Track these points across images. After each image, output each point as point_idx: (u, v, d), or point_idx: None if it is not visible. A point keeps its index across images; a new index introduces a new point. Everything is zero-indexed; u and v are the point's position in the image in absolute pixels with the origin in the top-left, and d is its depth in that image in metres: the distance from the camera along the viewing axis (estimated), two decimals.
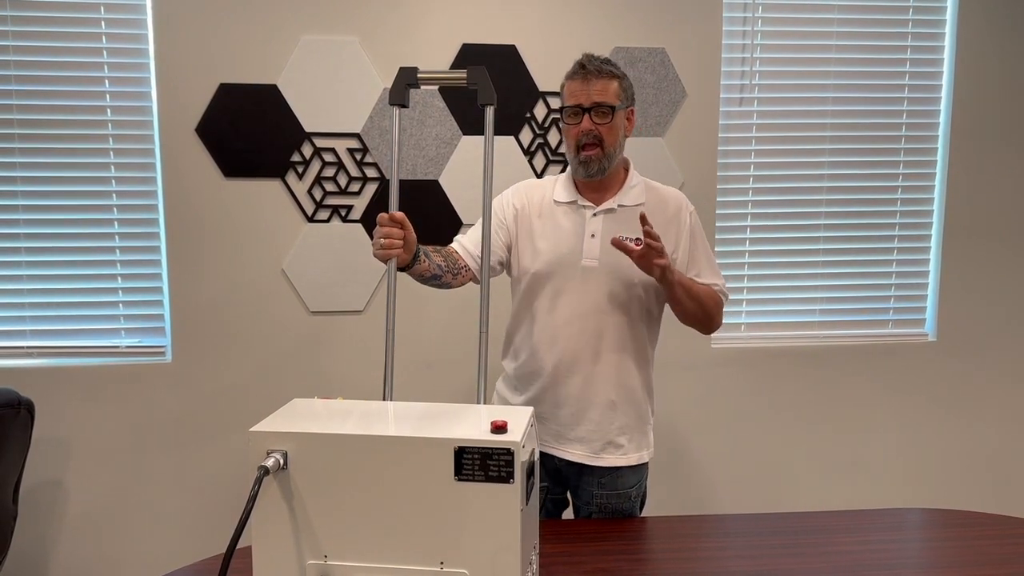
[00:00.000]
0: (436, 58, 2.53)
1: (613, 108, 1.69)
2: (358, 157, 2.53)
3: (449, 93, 2.54)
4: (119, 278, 2.55)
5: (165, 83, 2.45)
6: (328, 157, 2.52)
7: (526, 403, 1.80)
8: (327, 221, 2.55)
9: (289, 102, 2.49)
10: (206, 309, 2.53)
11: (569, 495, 1.91)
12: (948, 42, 2.75)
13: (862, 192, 2.78)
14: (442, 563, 1.09)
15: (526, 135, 2.58)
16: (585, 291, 1.73)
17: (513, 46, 2.55)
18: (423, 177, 2.56)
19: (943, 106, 2.78)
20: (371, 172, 2.55)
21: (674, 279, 1.64)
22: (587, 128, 1.70)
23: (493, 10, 2.53)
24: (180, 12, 2.43)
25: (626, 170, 1.82)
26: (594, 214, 1.75)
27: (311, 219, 2.54)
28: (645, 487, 1.88)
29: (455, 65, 2.53)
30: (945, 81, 2.77)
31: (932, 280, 2.85)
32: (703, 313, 1.75)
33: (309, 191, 2.53)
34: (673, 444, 2.77)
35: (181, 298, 2.52)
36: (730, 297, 2.72)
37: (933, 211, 2.82)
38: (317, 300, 2.57)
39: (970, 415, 2.88)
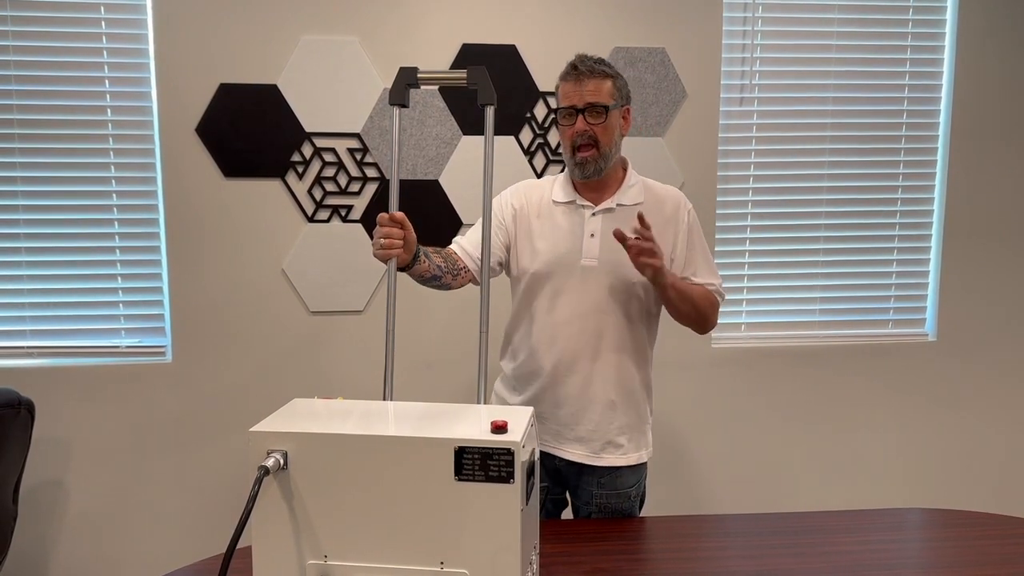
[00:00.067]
0: (436, 58, 2.53)
1: (607, 108, 1.69)
2: (358, 157, 2.53)
3: (449, 93, 2.54)
4: (119, 278, 2.55)
5: (165, 83, 2.45)
6: (328, 157, 2.52)
7: (525, 403, 1.80)
8: (327, 221, 2.55)
9: (289, 102, 2.49)
10: (206, 309, 2.53)
11: (568, 495, 1.91)
12: (948, 42, 2.75)
13: (862, 192, 2.78)
14: (442, 563, 1.09)
15: (526, 135, 2.58)
16: (584, 291, 1.73)
17: (513, 46, 2.55)
18: (423, 177, 2.56)
19: (943, 106, 2.78)
20: (371, 172, 2.55)
21: (667, 281, 1.65)
22: (581, 129, 1.70)
23: (493, 10, 2.53)
24: (180, 12, 2.43)
25: (624, 169, 1.82)
26: (593, 213, 1.76)
27: (311, 219, 2.54)
28: (644, 487, 1.88)
29: (455, 65, 2.53)
30: (945, 81, 2.77)
31: (932, 280, 2.85)
32: (697, 314, 1.75)
33: (309, 191, 2.53)
34: (673, 444, 2.77)
35: (181, 298, 2.52)
36: (727, 297, 2.74)
37: (933, 211, 2.82)
38: (317, 300, 2.57)
39: (970, 415, 2.88)
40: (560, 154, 2.59)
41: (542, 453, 1.81)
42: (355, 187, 2.54)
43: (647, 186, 1.81)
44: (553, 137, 2.59)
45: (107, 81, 2.47)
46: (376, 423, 1.15)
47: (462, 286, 1.78)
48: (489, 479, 1.07)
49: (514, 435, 1.09)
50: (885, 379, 2.83)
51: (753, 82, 2.71)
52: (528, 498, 1.12)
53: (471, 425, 1.14)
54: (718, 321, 1.85)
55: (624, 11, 2.58)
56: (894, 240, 2.82)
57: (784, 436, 2.82)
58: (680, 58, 2.62)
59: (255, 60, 2.47)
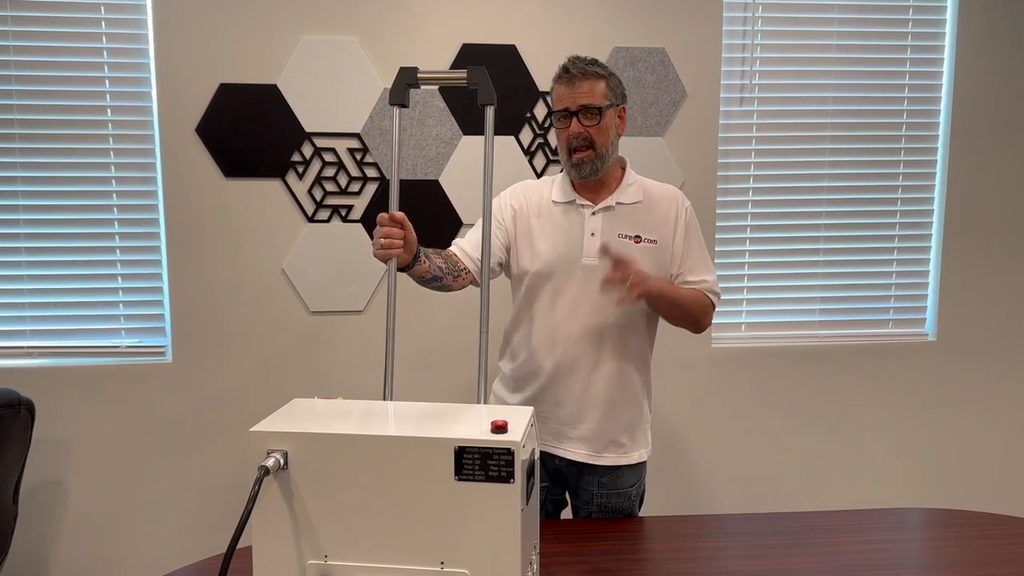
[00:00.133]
0: (436, 58, 2.53)
1: (600, 109, 1.69)
2: (358, 157, 2.53)
3: (449, 93, 2.54)
4: (119, 278, 2.55)
5: (165, 83, 2.45)
6: (328, 157, 2.52)
7: (525, 403, 1.80)
8: (327, 221, 2.55)
9: (289, 102, 2.49)
10: (206, 309, 2.53)
11: (568, 495, 1.91)
12: (948, 42, 2.75)
13: (862, 192, 2.78)
14: (442, 563, 1.09)
15: (526, 135, 2.58)
16: (585, 290, 1.73)
17: (513, 46, 2.55)
18: (423, 177, 2.56)
19: (943, 106, 2.78)
20: (371, 172, 2.55)
21: (654, 295, 1.66)
22: (576, 132, 1.70)
23: (493, 10, 2.53)
24: (180, 12, 2.43)
25: (623, 169, 1.82)
26: (593, 213, 1.76)
27: (311, 219, 2.54)
28: (644, 486, 1.88)
29: (455, 65, 2.53)
30: (945, 81, 2.77)
31: (932, 280, 2.85)
32: (689, 318, 1.77)
33: (309, 191, 2.53)
34: (672, 444, 2.77)
35: (181, 298, 2.52)
36: (727, 297, 2.75)
37: (933, 211, 2.82)
38: (317, 300, 2.57)
39: (970, 415, 2.88)
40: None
41: (542, 453, 1.81)
42: (355, 187, 2.54)
43: (645, 185, 1.81)
44: (553, 137, 2.59)
45: (107, 81, 2.47)
46: (376, 423, 1.15)
47: (463, 287, 1.78)
48: (489, 479, 1.07)
49: (514, 435, 1.09)
50: (885, 379, 2.83)
51: (753, 82, 2.71)
52: (528, 498, 1.12)
53: (471, 425, 1.14)
54: (715, 321, 1.86)
55: (624, 11, 2.58)
56: (894, 240, 2.82)
57: (784, 436, 2.82)
58: (680, 58, 2.62)
59: (255, 60, 2.47)
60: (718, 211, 2.72)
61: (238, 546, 1.37)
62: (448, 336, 2.62)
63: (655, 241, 1.75)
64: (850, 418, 2.83)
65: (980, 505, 2.91)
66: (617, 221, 1.75)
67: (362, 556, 1.11)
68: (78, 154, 2.48)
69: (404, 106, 1.52)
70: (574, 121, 1.70)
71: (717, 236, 2.72)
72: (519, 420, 1.16)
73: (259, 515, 1.13)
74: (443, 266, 1.69)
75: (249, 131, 2.48)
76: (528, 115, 2.58)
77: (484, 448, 1.06)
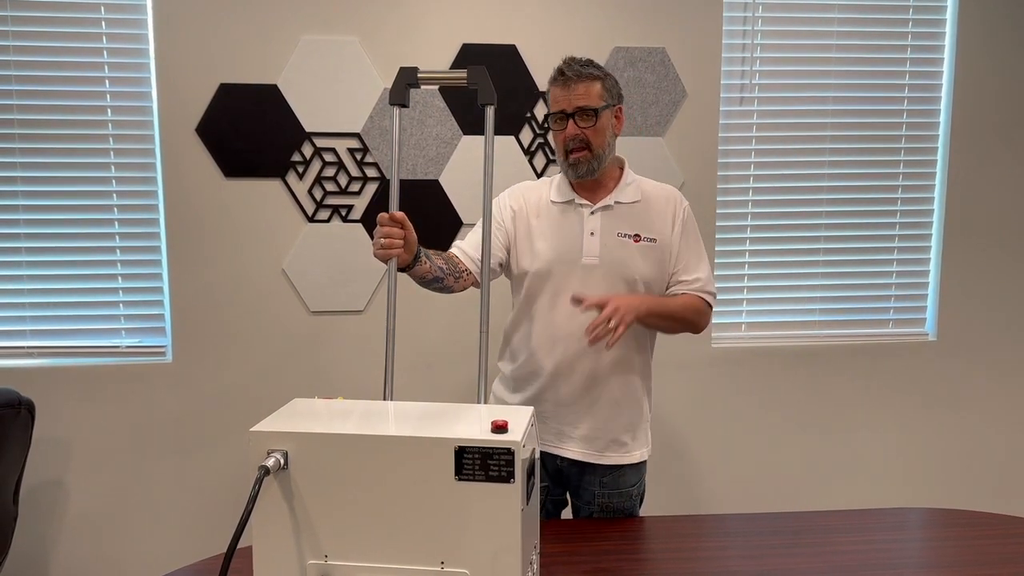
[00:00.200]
0: (436, 58, 2.53)
1: (596, 111, 1.69)
2: (358, 157, 2.53)
3: (449, 93, 2.54)
4: (119, 278, 2.55)
5: (165, 83, 2.45)
6: (328, 157, 2.52)
7: (525, 403, 1.80)
8: (327, 221, 2.55)
9: (289, 102, 2.49)
10: (206, 309, 2.53)
11: (569, 496, 1.91)
12: (948, 42, 2.75)
13: (862, 192, 2.78)
14: (443, 563, 1.09)
15: (526, 135, 2.58)
16: (585, 289, 1.73)
17: (513, 46, 2.55)
18: (423, 177, 2.56)
19: (943, 106, 2.78)
20: (371, 172, 2.55)
21: (642, 318, 1.66)
22: (572, 133, 1.70)
23: (493, 10, 2.53)
24: (180, 12, 2.43)
25: (621, 169, 1.82)
26: (592, 212, 1.76)
27: (311, 219, 2.54)
28: (644, 485, 1.88)
29: (455, 65, 2.53)
30: (945, 81, 2.77)
31: (932, 280, 2.85)
32: (685, 326, 1.78)
33: (309, 191, 2.53)
34: (672, 443, 2.77)
35: (181, 298, 2.52)
36: (727, 297, 2.75)
37: (933, 210, 2.82)
38: (317, 300, 2.57)
39: (970, 415, 2.88)
40: None
41: (543, 454, 1.81)
42: (355, 187, 2.54)
43: (643, 184, 1.81)
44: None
45: (107, 81, 2.47)
46: (376, 423, 1.15)
47: (464, 289, 1.77)
48: (489, 479, 1.07)
49: (514, 435, 1.09)
50: (885, 379, 2.83)
51: (753, 82, 2.71)
52: (528, 498, 1.12)
53: (471, 425, 1.14)
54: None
55: (624, 11, 2.58)
56: (894, 240, 2.82)
57: (784, 436, 2.82)
58: (680, 58, 2.62)
59: (255, 60, 2.47)
60: (718, 211, 2.72)
61: (238, 546, 1.37)
62: (448, 336, 2.62)
63: (654, 240, 1.75)
64: (850, 418, 2.83)
65: (980, 505, 2.91)
66: (616, 220, 1.75)
67: (362, 556, 1.11)
68: (78, 154, 2.48)
69: (404, 106, 1.52)
70: (570, 123, 1.70)
71: (717, 236, 2.72)
72: (519, 420, 1.16)
73: (259, 515, 1.13)
74: (444, 267, 1.69)
75: (249, 131, 2.48)
76: (528, 115, 2.58)
77: (484, 448, 1.06)
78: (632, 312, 1.59)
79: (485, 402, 1.43)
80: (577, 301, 1.59)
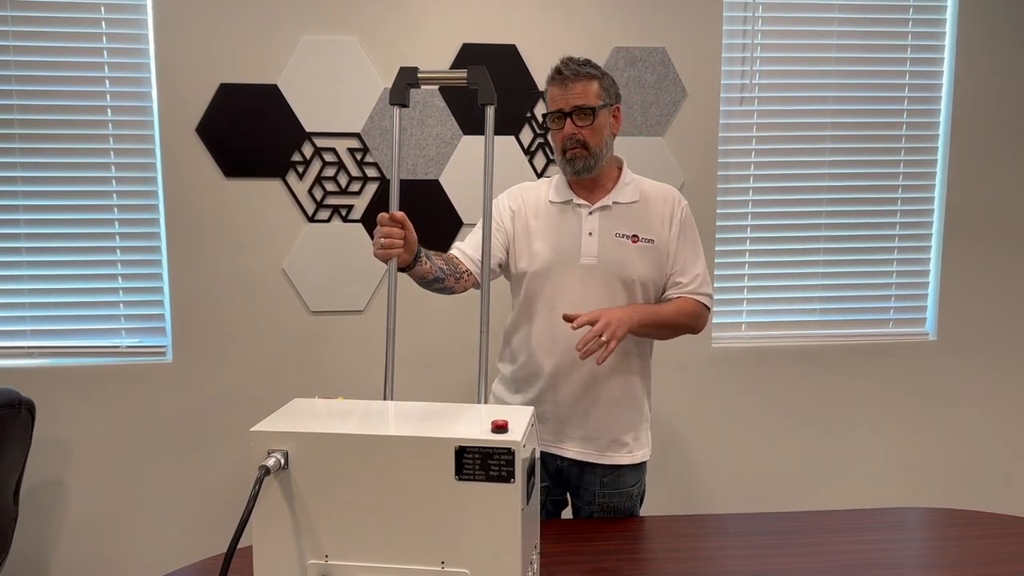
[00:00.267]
0: (436, 58, 2.53)
1: (594, 109, 1.70)
2: (358, 157, 2.53)
3: (449, 93, 2.54)
4: (119, 278, 2.55)
5: (165, 83, 2.45)
6: (328, 157, 2.52)
7: (525, 404, 1.80)
8: (327, 221, 2.55)
9: (289, 102, 2.49)
10: (206, 309, 2.53)
11: (569, 496, 1.91)
12: (948, 42, 2.75)
13: (862, 191, 2.78)
14: (443, 563, 1.09)
15: (526, 135, 2.59)
16: (584, 289, 1.73)
17: (513, 46, 2.55)
18: (423, 177, 2.56)
19: (943, 105, 2.78)
20: (371, 172, 2.55)
21: (634, 330, 1.66)
22: (570, 132, 1.70)
23: (493, 10, 2.53)
24: (180, 12, 2.43)
25: (619, 169, 1.82)
26: (590, 212, 1.76)
27: (311, 219, 2.54)
28: (644, 485, 1.88)
29: (455, 65, 2.53)
30: (945, 81, 2.77)
31: (932, 279, 2.85)
32: (682, 330, 1.78)
33: (309, 191, 2.53)
34: (672, 443, 2.77)
35: (181, 298, 2.52)
36: (724, 297, 2.74)
37: (934, 210, 2.82)
38: (318, 300, 2.57)
39: (970, 414, 2.88)
40: None
41: (543, 454, 1.81)
42: (355, 187, 2.54)
43: (642, 184, 1.81)
44: None
45: (107, 81, 2.47)
46: (376, 423, 1.15)
47: (465, 290, 1.77)
48: (490, 479, 1.07)
49: (515, 435, 1.08)
50: (885, 378, 2.83)
51: (753, 82, 2.71)
52: (529, 498, 1.12)
53: (471, 425, 1.14)
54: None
55: (624, 11, 2.58)
56: (894, 239, 2.82)
57: (784, 436, 2.82)
58: (680, 58, 2.62)
59: (255, 60, 2.47)
60: (718, 211, 2.72)
61: (239, 546, 1.37)
62: (448, 336, 2.62)
63: (652, 240, 1.75)
64: (850, 418, 2.83)
65: (981, 504, 2.91)
66: (614, 220, 1.75)
67: (363, 556, 1.11)
68: (78, 154, 2.48)
69: (404, 106, 1.52)
70: (568, 122, 1.70)
71: (717, 236, 2.72)
72: (519, 420, 1.16)
73: (260, 515, 1.13)
74: (444, 267, 1.69)
75: (249, 131, 2.48)
76: (528, 115, 2.58)
77: (485, 448, 1.06)
78: (624, 326, 1.60)
79: (485, 402, 1.43)
80: (569, 319, 1.59)
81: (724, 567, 1.46)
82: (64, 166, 2.48)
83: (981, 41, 2.73)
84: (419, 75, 1.50)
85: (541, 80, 2.57)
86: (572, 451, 1.79)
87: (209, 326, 2.54)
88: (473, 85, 1.48)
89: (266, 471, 1.07)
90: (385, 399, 1.43)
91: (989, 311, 2.85)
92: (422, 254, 1.60)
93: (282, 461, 1.10)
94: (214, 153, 2.48)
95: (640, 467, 1.84)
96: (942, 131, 2.79)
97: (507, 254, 1.82)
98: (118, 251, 2.53)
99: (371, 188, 2.55)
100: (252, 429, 1.12)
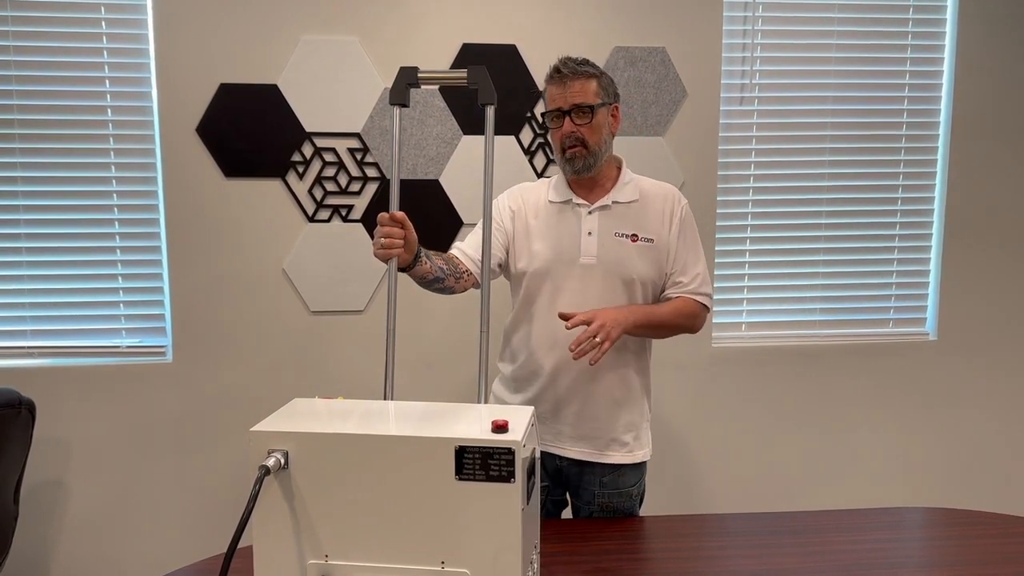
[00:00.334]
0: (436, 58, 2.53)
1: (592, 108, 1.70)
2: (359, 157, 2.53)
3: (450, 93, 2.54)
4: (120, 278, 2.55)
5: (165, 83, 2.45)
6: (329, 157, 2.52)
7: (525, 403, 1.80)
8: (328, 221, 2.55)
9: (289, 102, 2.49)
10: (207, 309, 2.53)
11: (569, 496, 1.91)
12: (948, 42, 2.75)
13: (863, 191, 2.78)
14: (443, 563, 1.09)
15: (526, 135, 2.59)
16: (584, 289, 1.74)
17: (513, 46, 2.55)
18: (423, 177, 2.56)
19: (943, 105, 2.78)
20: (371, 172, 2.55)
21: (629, 331, 1.66)
22: (568, 131, 1.71)
23: (493, 10, 2.53)
24: (180, 12, 2.43)
25: (618, 168, 1.82)
26: (589, 212, 1.76)
27: (312, 219, 2.54)
28: (644, 485, 1.88)
29: (455, 65, 2.53)
30: (945, 81, 2.77)
31: (933, 279, 2.85)
32: (679, 330, 1.78)
33: (310, 191, 2.53)
34: (672, 444, 2.77)
35: (181, 298, 2.52)
36: (724, 296, 2.74)
37: (934, 210, 2.82)
38: (318, 300, 2.57)
39: (971, 414, 2.88)
40: None
41: (543, 453, 1.81)
42: (355, 187, 2.54)
43: (641, 184, 1.81)
44: None
45: (107, 81, 2.47)
46: (377, 423, 1.15)
47: (465, 290, 1.77)
48: (490, 479, 1.07)
49: (515, 434, 1.08)
50: (885, 378, 2.83)
51: (753, 81, 2.71)
52: (529, 497, 1.12)
53: (472, 424, 1.14)
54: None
55: (624, 11, 2.58)
56: (894, 239, 2.82)
57: (784, 435, 2.82)
58: (680, 58, 2.62)
59: (255, 60, 2.47)
60: (718, 211, 2.72)
61: (239, 546, 1.37)
62: (448, 336, 2.62)
63: (652, 240, 1.75)
64: (850, 418, 2.83)
65: (981, 504, 2.91)
66: (613, 220, 1.75)
67: (363, 556, 1.11)
68: (78, 154, 2.48)
69: (404, 106, 1.52)
70: (567, 120, 1.70)
71: (717, 236, 2.72)
72: (520, 419, 1.16)
73: (260, 515, 1.13)
74: (444, 267, 1.69)
75: (249, 131, 2.48)
76: (528, 115, 2.58)
77: (485, 448, 1.06)
78: (618, 327, 1.60)
79: (485, 402, 1.43)
80: (564, 318, 1.59)
81: (724, 567, 1.46)
82: (64, 166, 2.48)
83: (981, 41, 2.73)
84: (419, 75, 1.50)
85: (541, 80, 2.55)
86: (572, 451, 1.79)
87: (209, 326, 2.54)
88: (473, 85, 1.48)
89: (266, 471, 1.07)
90: (385, 399, 1.43)
91: (989, 311, 2.85)
92: (422, 254, 1.60)
93: (282, 461, 1.10)
94: (214, 153, 2.48)
95: (640, 467, 1.84)
96: (942, 131, 2.79)
97: (507, 254, 1.82)
98: (118, 251, 2.53)
99: (371, 188, 2.55)
100: (252, 429, 1.12)
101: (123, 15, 2.45)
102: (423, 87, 2.49)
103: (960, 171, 2.78)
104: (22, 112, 2.44)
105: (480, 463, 1.07)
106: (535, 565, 1.19)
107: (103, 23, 2.45)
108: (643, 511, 1.88)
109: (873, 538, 1.59)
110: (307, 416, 1.18)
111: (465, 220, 2.58)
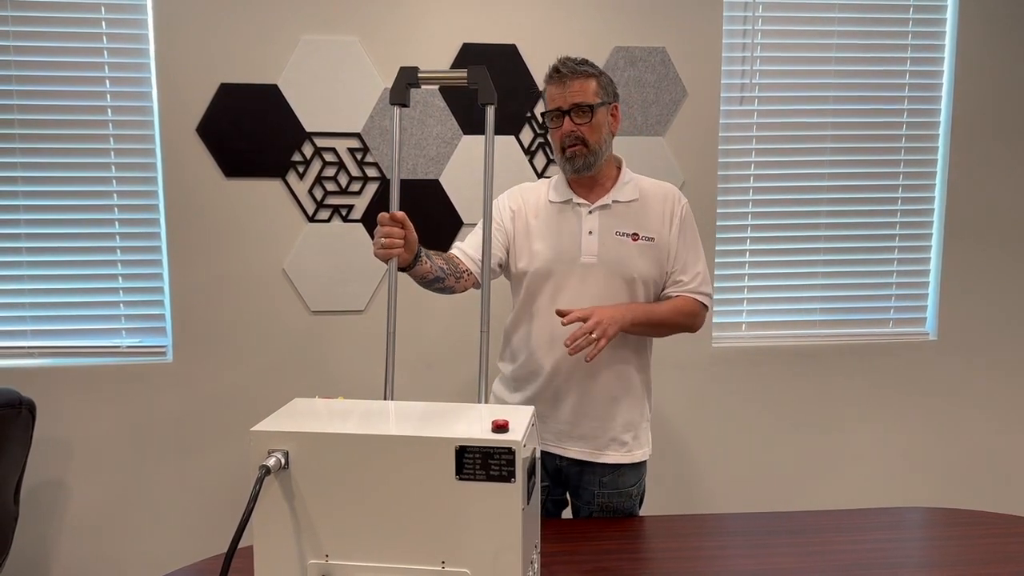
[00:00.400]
0: (436, 58, 2.53)
1: (592, 107, 1.70)
2: (359, 157, 2.53)
3: (450, 92, 2.54)
4: (120, 278, 2.55)
5: (166, 83, 2.45)
6: (329, 157, 2.52)
7: (525, 403, 1.80)
8: (328, 221, 2.55)
9: (290, 102, 2.49)
10: (207, 309, 2.53)
11: (569, 496, 1.91)
12: (948, 42, 2.75)
13: (863, 191, 2.78)
14: (443, 562, 1.09)
15: (527, 134, 2.59)
16: (584, 288, 1.74)
17: (513, 46, 2.55)
18: (424, 177, 2.56)
19: (943, 105, 2.78)
20: (372, 172, 2.55)
21: (627, 329, 1.66)
22: (568, 130, 1.71)
23: (493, 10, 2.53)
24: (180, 12, 2.43)
25: (618, 168, 1.82)
26: (590, 211, 1.76)
27: (312, 219, 2.54)
28: (644, 485, 1.88)
29: (456, 65, 2.53)
30: (945, 80, 2.77)
31: (933, 279, 2.85)
32: (677, 329, 1.78)
33: (310, 191, 2.53)
34: (672, 443, 2.77)
35: (182, 298, 2.52)
36: (724, 296, 2.74)
37: (934, 209, 2.82)
38: (318, 300, 2.57)
39: (971, 414, 2.88)
40: None
41: (543, 453, 1.81)
42: (356, 187, 2.54)
43: (641, 183, 1.81)
44: None
45: (107, 81, 2.47)
46: (377, 422, 1.15)
47: (465, 290, 1.77)
48: (490, 478, 1.07)
49: (515, 434, 1.08)
50: (886, 378, 2.83)
51: (753, 81, 2.71)
52: (529, 497, 1.12)
53: (472, 424, 1.14)
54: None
55: (624, 11, 2.58)
56: (895, 239, 2.82)
57: (784, 435, 2.82)
58: (680, 57, 2.62)
59: (255, 60, 2.47)
60: (718, 211, 2.72)
61: (239, 546, 1.37)
62: (448, 336, 2.62)
63: (652, 239, 1.75)
64: (850, 417, 2.83)
65: (981, 504, 2.91)
66: (614, 219, 1.75)
67: (363, 556, 1.11)
68: (78, 154, 2.48)
69: (405, 106, 1.52)
70: (567, 120, 1.71)
71: (717, 236, 2.72)
72: (520, 419, 1.16)
73: (260, 515, 1.13)
74: (444, 267, 1.69)
75: (249, 131, 2.48)
76: (528, 115, 2.58)
77: (485, 447, 1.06)
78: (615, 324, 1.60)
79: (485, 402, 1.43)
80: (561, 314, 1.60)
81: (724, 567, 1.47)
82: (64, 166, 2.48)
83: (981, 41, 2.73)
84: (419, 75, 1.50)
85: (541, 80, 2.54)
86: (571, 450, 1.79)
87: (209, 326, 2.54)
88: (473, 85, 1.48)
89: (267, 471, 1.07)
90: (385, 399, 1.43)
91: (989, 311, 2.85)
92: (422, 254, 1.60)
93: (283, 461, 1.10)
94: (214, 153, 2.48)
95: (640, 466, 1.84)
96: (942, 131, 2.79)
97: (507, 254, 1.82)
98: (118, 251, 2.53)
99: (371, 188, 2.55)
100: (252, 429, 1.12)
101: (123, 15, 2.45)
102: (423, 87, 2.49)
103: (960, 171, 2.78)
104: (22, 112, 2.44)
105: (480, 463, 1.07)
106: (535, 565, 1.19)
107: (103, 23, 2.45)
108: (643, 511, 1.88)
109: (873, 538, 1.59)
110: (307, 416, 1.18)
111: (465, 220, 2.58)
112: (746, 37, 2.68)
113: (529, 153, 2.59)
